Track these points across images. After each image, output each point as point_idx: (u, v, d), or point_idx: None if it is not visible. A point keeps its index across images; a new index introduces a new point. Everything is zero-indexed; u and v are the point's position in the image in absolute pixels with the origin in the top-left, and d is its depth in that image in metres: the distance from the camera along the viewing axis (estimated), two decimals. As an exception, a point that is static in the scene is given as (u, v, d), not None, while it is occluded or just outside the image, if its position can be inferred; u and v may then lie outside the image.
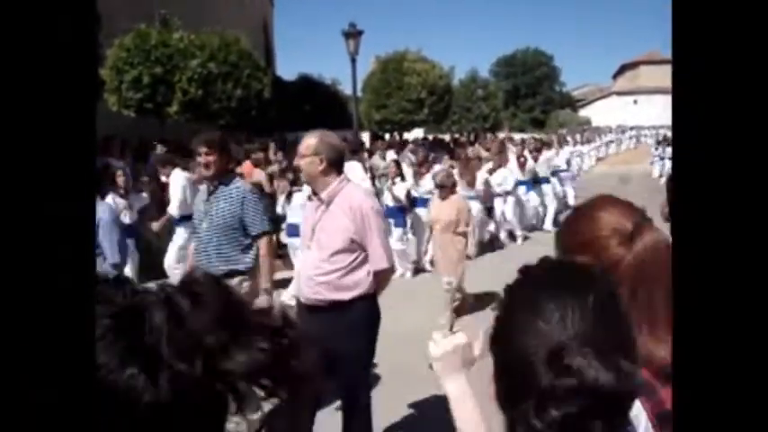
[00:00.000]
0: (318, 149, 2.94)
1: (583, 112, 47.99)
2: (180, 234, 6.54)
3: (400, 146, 13.64)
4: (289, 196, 6.93)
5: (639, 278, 1.07)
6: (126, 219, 6.60)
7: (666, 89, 36.98)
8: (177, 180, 6.65)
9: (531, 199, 11.10)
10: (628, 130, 36.08)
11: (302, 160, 3.00)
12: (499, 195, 9.84)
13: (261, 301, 3.35)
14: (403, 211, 8.16)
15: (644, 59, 50.46)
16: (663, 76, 42.33)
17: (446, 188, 5.84)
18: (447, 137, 21.39)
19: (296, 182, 6.71)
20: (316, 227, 2.98)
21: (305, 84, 19.48)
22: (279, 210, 7.21)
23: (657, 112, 42.05)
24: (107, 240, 4.36)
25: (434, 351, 1.16)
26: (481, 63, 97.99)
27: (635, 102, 48.48)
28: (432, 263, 7.18)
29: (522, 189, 10.73)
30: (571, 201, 12.11)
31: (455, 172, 7.47)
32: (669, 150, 17.60)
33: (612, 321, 0.75)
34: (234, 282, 3.35)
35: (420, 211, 8.15)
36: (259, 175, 8.05)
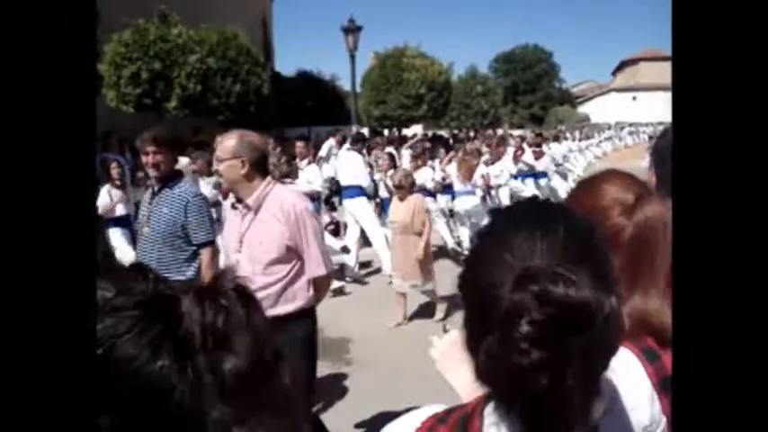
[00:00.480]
0: (238, 152, 2.62)
1: (582, 109, 47.95)
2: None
3: (399, 142, 13.64)
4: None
5: (641, 247, 1.08)
6: (122, 210, 6.67)
7: (666, 86, 37.02)
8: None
9: (527, 190, 11.15)
10: (627, 126, 36.10)
11: (221, 165, 2.67)
12: (493, 188, 9.89)
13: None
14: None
15: (643, 56, 50.44)
16: (662, 72, 42.35)
17: (404, 188, 5.49)
18: (446, 133, 21.39)
19: (288, 174, 6.65)
20: (243, 238, 2.68)
21: (304, 79, 19.48)
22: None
23: (657, 108, 42.08)
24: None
25: (434, 352, 1.19)
26: (480, 59, 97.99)
27: (634, 98, 48.51)
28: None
29: (516, 181, 10.83)
30: (563, 195, 12.16)
31: (453, 167, 7.39)
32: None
33: (585, 252, 0.70)
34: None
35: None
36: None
